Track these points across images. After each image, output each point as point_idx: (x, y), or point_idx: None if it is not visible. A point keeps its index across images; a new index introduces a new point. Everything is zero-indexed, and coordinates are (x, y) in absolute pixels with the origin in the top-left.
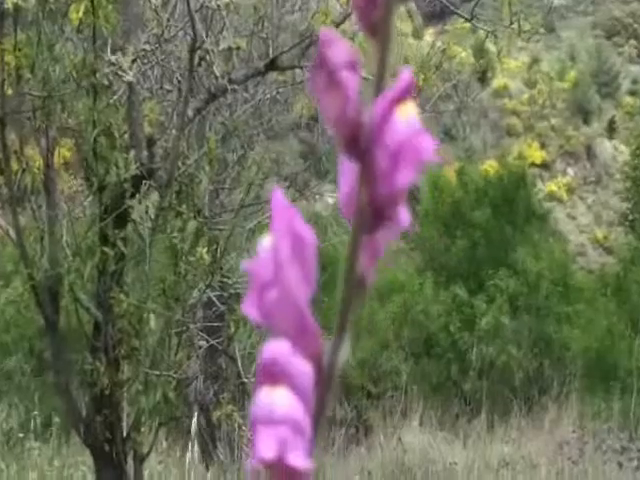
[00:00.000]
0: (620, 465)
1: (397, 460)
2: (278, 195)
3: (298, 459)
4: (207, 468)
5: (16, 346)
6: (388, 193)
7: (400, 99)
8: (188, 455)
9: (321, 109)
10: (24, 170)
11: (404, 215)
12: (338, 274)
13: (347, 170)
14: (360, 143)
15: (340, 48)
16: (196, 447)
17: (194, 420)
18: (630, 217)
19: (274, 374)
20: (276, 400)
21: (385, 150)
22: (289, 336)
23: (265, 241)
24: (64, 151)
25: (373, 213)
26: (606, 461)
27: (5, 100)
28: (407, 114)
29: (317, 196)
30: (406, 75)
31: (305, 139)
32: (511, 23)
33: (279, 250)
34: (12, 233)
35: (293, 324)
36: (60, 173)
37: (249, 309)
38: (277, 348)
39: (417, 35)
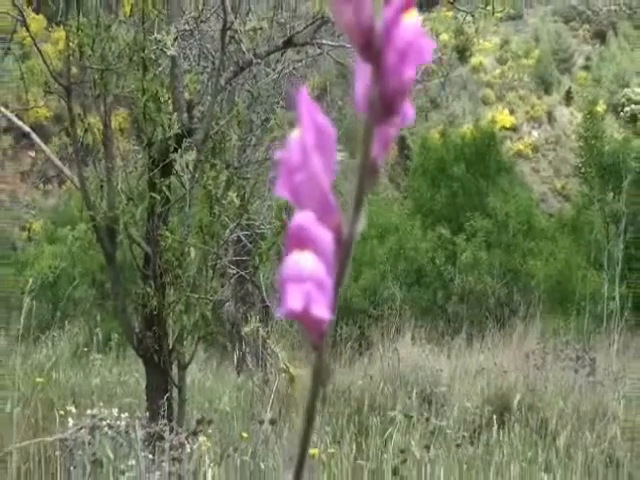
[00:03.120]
0: (576, 371)
1: (393, 368)
2: (304, 94)
3: (321, 310)
4: (238, 374)
5: (82, 278)
6: (396, 87)
7: (405, 7)
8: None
9: (338, 17)
10: (86, 131)
11: (409, 109)
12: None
13: (361, 73)
14: (373, 46)
15: None
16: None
17: (227, 335)
18: (582, 170)
19: (301, 240)
20: (303, 261)
21: (393, 50)
22: (313, 211)
23: (294, 133)
24: (119, 119)
25: (383, 106)
26: (564, 367)
27: (70, 74)
28: (411, 19)
29: None
30: None
31: None
32: (486, 5)
33: (305, 140)
34: (77, 182)
35: (317, 201)
36: (116, 136)
37: (280, 190)
38: (304, 218)
39: None
